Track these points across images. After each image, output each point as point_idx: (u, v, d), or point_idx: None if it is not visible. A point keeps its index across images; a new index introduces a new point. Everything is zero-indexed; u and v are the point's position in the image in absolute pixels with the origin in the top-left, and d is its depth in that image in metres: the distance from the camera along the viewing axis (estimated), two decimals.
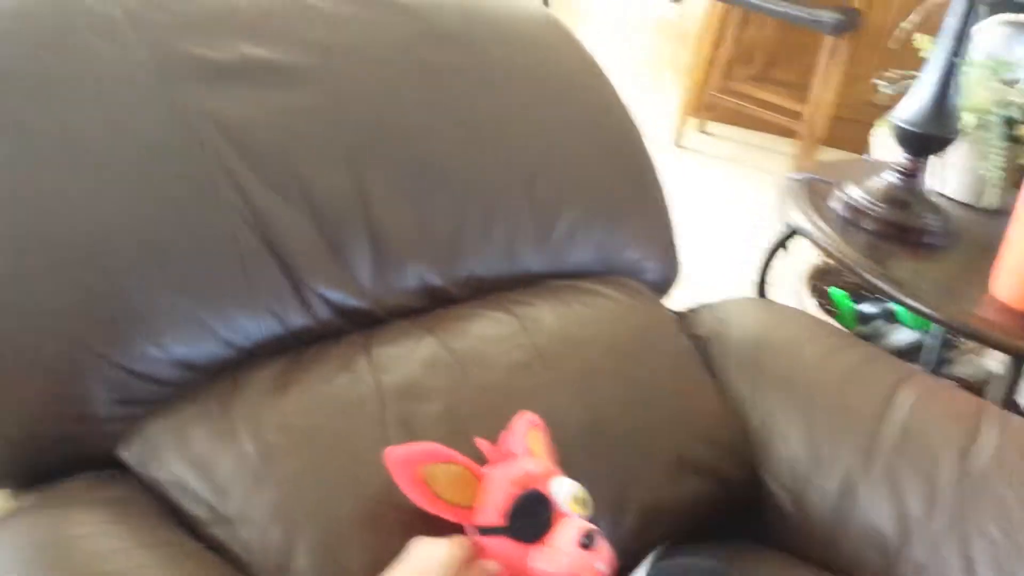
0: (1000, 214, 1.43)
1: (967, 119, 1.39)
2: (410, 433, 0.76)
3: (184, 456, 0.70)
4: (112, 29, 0.81)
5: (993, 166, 1.38)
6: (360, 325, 0.88)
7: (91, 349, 0.70)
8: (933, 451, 0.88)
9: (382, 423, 0.76)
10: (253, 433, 0.72)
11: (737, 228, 2.64)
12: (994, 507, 0.83)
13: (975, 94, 1.41)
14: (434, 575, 0.64)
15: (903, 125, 1.27)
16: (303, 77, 0.89)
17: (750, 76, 3.40)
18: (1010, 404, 1.16)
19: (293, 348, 0.83)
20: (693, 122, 3.33)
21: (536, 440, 0.78)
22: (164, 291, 0.75)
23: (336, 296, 0.86)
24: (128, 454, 0.72)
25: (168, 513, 0.70)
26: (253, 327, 0.80)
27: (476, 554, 0.69)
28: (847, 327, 1.73)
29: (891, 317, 1.79)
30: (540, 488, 0.70)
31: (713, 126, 3.42)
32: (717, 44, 3.08)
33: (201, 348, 0.76)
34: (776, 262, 1.53)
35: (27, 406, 0.68)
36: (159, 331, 0.74)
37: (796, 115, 3.04)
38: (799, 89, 3.18)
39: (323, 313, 0.85)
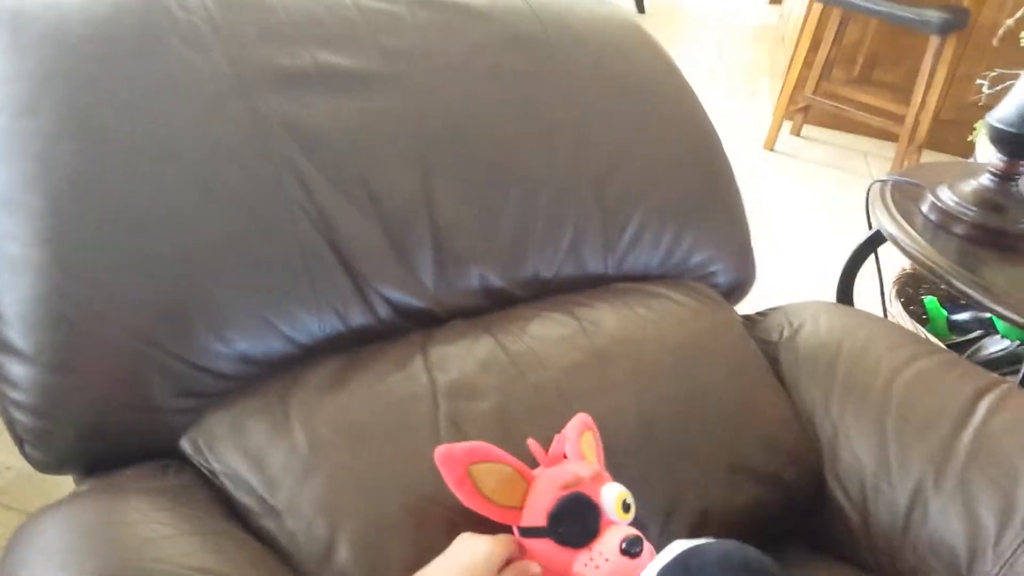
0: None
1: None
2: (461, 432, 0.77)
3: (239, 448, 0.73)
4: (196, 37, 0.85)
5: None
6: (420, 324, 0.90)
7: (157, 342, 0.74)
8: (1012, 464, 0.84)
9: (434, 421, 0.78)
10: (306, 427, 0.74)
11: (828, 234, 2.56)
12: None
13: None
14: (478, 570, 0.65)
15: (998, 125, 1.21)
16: (375, 83, 0.92)
17: (850, 78, 3.29)
18: None
19: (354, 346, 0.85)
20: (788, 126, 3.25)
21: (588, 442, 0.77)
22: (230, 288, 0.78)
23: (398, 296, 0.88)
24: (188, 445, 0.75)
25: (221, 504, 0.72)
26: (315, 325, 0.82)
27: (520, 554, 0.69)
28: (940, 336, 1.65)
29: (987, 326, 1.69)
30: (589, 493, 0.70)
31: (809, 129, 3.33)
32: (816, 46, 3.00)
33: (263, 344, 0.79)
34: (866, 268, 1.48)
35: (96, 394, 0.72)
36: (223, 326, 0.77)
37: (898, 118, 2.92)
38: (901, 91, 3.06)
39: (384, 313, 0.87)
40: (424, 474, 0.72)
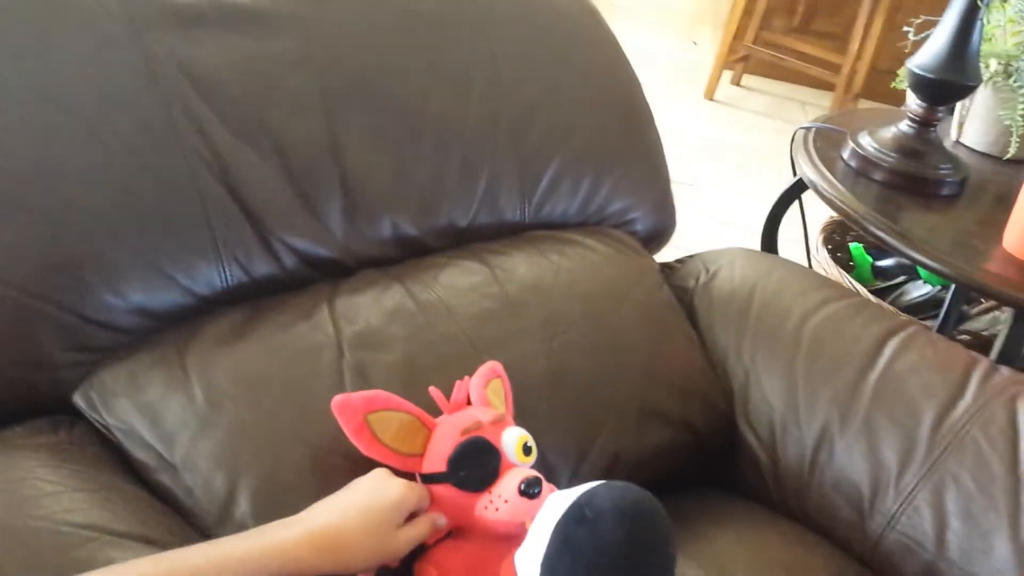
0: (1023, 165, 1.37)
1: (991, 65, 1.32)
2: (367, 382, 0.76)
3: (135, 402, 0.71)
4: None
5: (1018, 115, 1.31)
6: (330, 275, 0.88)
7: (46, 296, 0.71)
8: (914, 403, 0.86)
9: (338, 371, 0.77)
10: (204, 380, 0.72)
11: (763, 182, 2.58)
12: (970, 459, 0.81)
13: (1001, 40, 1.34)
14: (383, 515, 0.64)
15: (917, 71, 1.22)
16: (278, 23, 0.88)
17: (790, 28, 3.30)
18: (1011, 358, 1.12)
19: (259, 298, 0.83)
20: (729, 75, 3.25)
21: (496, 389, 0.77)
22: (124, 240, 0.75)
23: (304, 246, 0.86)
24: (81, 400, 0.73)
25: (115, 459, 0.71)
26: (216, 276, 0.80)
27: (428, 503, 0.69)
28: (864, 282, 1.68)
29: (911, 272, 1.73)
30: (489, 437, 0.70)
31: (749, 79, 3.33)
32: None
33: (161, 297, 0.77)
34: (792, 215, 1.49)
35: None
36: (117, 278, 0.74)
37: (835, 67, 2.94)
38: (839, 40, 3.08)
39: (291, 263, 0.85)
40: (326, 425, 0.71)
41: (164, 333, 0.76)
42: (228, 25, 0.85)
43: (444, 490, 0.68)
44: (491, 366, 0.78)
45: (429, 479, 0.69)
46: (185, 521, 0.68)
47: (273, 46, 0.87)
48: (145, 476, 0.70)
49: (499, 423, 0.71)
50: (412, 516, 0.67)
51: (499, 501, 0.66)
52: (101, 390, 0.73)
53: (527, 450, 0.71)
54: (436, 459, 0.69)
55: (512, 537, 0.65)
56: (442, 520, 0.68)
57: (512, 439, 0.70)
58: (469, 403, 0.75)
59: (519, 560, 0.61)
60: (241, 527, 0.67)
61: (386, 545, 0.64)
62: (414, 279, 0.88)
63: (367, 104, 0.91)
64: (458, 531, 0.69)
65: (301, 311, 0.81)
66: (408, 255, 0.93)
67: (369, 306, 0.83)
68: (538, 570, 0.57)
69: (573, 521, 0.57)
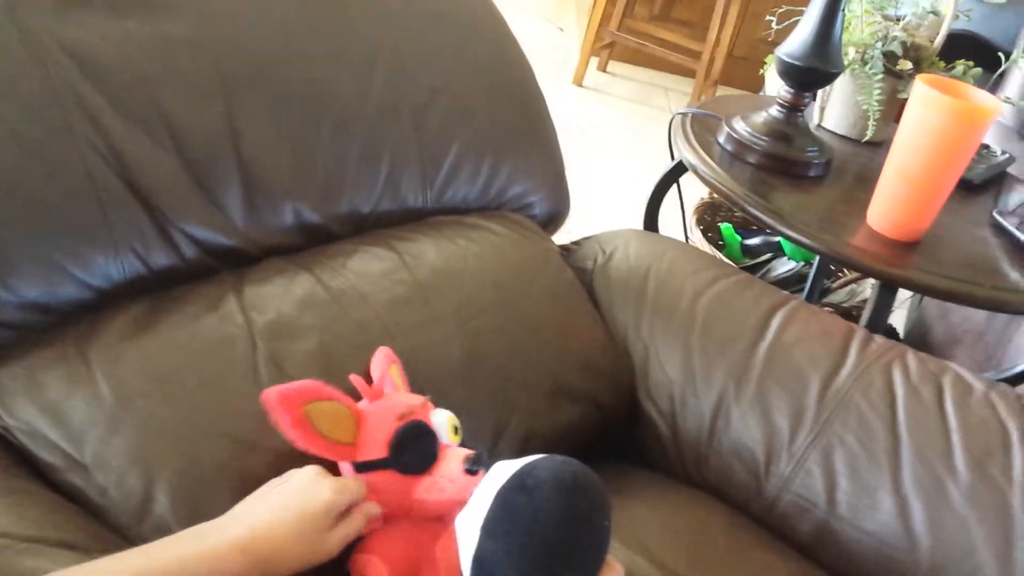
0: (881, 147, 1.48)
1: (850, 54, 1.42)
2: (281, 372, 0.75)
3: (36, 402, 0.67)
4: None
5: (874, 100, 1.42)
6: (232, 264, 0.85)
7: None
8: (801, 371, 0.92)
9: (252, 363, 0.75)
10: (111, 376, 0.69)
11: (633, 166, 2.67)
12: (854, 421, 0.88)
13: (858, 29, 1.44)
14: (315, 520, 0.63)
15: (785, 58, 1.29)
16: (170, 5, 0.84)
17: (652, 15, 3.41)
18: (878, 326, 1.21)
19: (159, 289, 0.80)
20: (595, 62, 3.33)
21: (396, 374, 0.77)
22: (11, 232, 0.70)
23: (204, 234, 0.83)
24: None
25: (20, 462, 0.67)
26: (114, 268, 0.76)
27: (363, 496, 0.68)
28: (734, 260, 1.77)
29: (776, 249, 1.84)
30: (423, 420, 0.70)
31: (615, 65, 3.43)
32: None
33: (56, 291, 0.73)
34: (672, 197, 1.55)
35: None
36: (7, 273, 0.70)
37: (695, 54, 3.06)
38: (698, 28, 3.21)
39: (190, 252, 0.82)
40: (244, 419, 0.70)
41: (62, 328, 0.72)
42: (116, 7, 0.81)
43: (382, 477, 0.68)
44: (385, 353, 0.79)
45: (366, 466, 0.68)
46: (101, 522, 0.65)
47: (166, 29, 0.83)
48: (54, 478, 0.67)
49: (425, 407, 0.72)
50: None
51: (444, 481, 0.67)
52: None
53: (456, 430, 0.72)
54: (374, 446, 0.68)
55: (445, 517, 0.66)
56: (375, 509, 0.68)
57: (442, 420, 0.71)
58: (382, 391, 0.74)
59: (459, 523, 0.61)
60: (161, 524, 0.65)
61: (318, 549, 0.63)
62: (323, 266, 0.86)
63: (266, 90, 0.89)
64: (391, 517, 0.69)
65: (208, 302, 0.79)
66: (312, 243, 0.91)
67: (279, 295, 0.81)
68: (478, 533, 0.59)
69: (514, 488, 0.59)
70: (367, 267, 0.88)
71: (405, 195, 0.99)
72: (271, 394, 0.66)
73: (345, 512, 0.65)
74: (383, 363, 0.77)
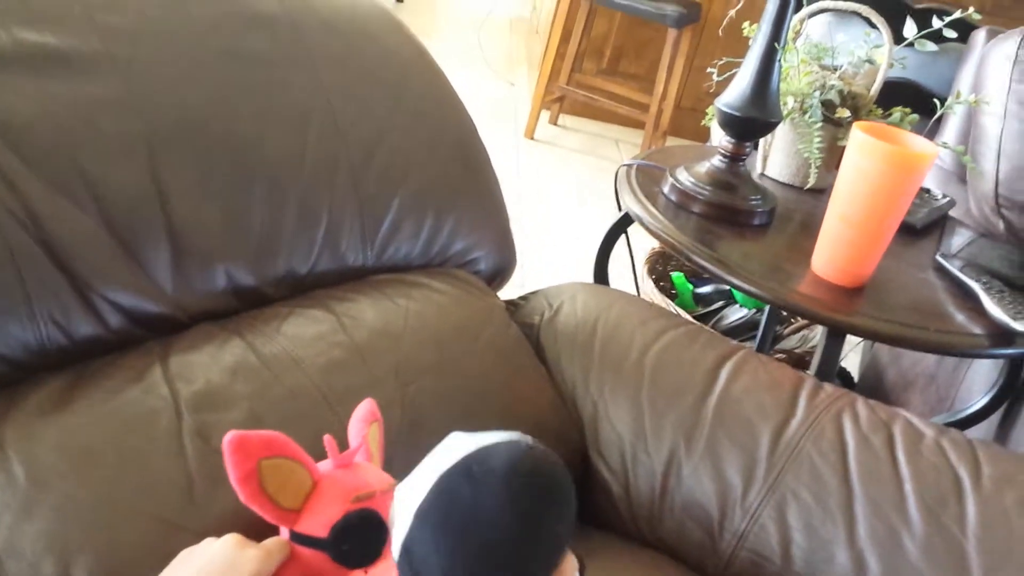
0: (823, 194, 1.49)
1: (789, 103, 1.44)
2: (208, 445, 0.71)
3: None
4: None
5: (814, 148, 1.43)
6: (160, 332, 0.82)
7: None
8: (751, 424, 0.90)
9: (178, 437, 0.71)
10: (24, 456, 0.65)
11: (585, 217, 2.68)
12: (806, 473, 0.86)
13: (796, 79, 1.46)
14: None
15: (725, 109, 1.30)
16: (92, 65, 0.82)
17: (599, 69, 3.47)
18: (828, 373, 1.21)
19: (82, 361, 0.76)
20: (546, 115, 3.37)
21: (374, 436, 0.73)
22: None
23: (129, 301, 0.79)
24: None
25: None
26: (32, 339, 0.73)
27: (288, 565, 0.64)
28: (687, 309, 1.77)
29: (728, 297, 1.84)
30: (379, 508, 0.64)
31: (565, 119, 3.47)
32: (567, 37, 3.12)
33: None
34: (618, 248, 1.55)
35: None
36: None
37: (643, 106, 3.11)
38: (645, 81, 3.27)
39: (115, 321, 0.78)
40: (168, 496, 0.66)
41: None
42: (33, 67, 0.78)
43: (315, 555, 0.63)
44: (370, 407, 0.74)
45: (302, 540, 0.63)
46: None
47: (88, 90, 0.81)
48: None
49: (389, 492, 0.65)
50: None
51: None
52: None
53: None
54: (318, 522, 0.63)
55: None
56: None
57: None
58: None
59: (399, 492, 0.57)
60: None
61: None
62: (255, 331, 0.83)
63: (193, 148, 0.86)
64: None
65: (131, 373, 0.75)
66: (246, 306, 0.88)
67: (207, 364, 0.78)
68: (411, 515, 0.53)
69: (459, 473, 0.53)
70: (302, 331, 0.85)
71: (345, 254, 0.97)
72: (229, 438, 0.61)
73: None
74: (364, 421, 0.72)
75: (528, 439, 0.56)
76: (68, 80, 0.80)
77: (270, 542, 0.63)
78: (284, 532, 0.65)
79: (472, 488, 0.52)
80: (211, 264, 0.85)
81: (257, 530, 0.64)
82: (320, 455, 0.68)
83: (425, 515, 0.52)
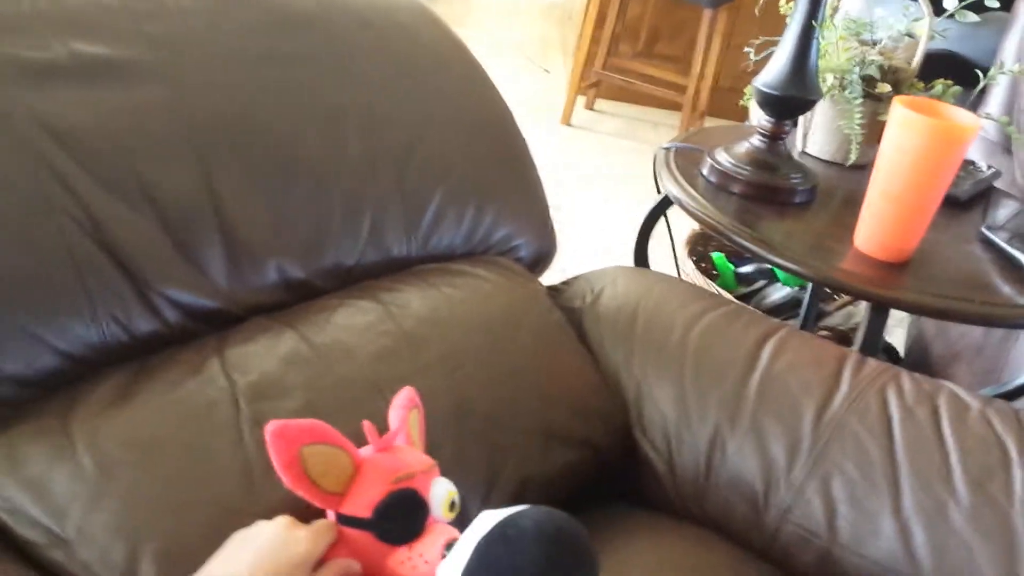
0: (864, 170, 1.48)
1: (828, 80, 1.43)
2: None
3: (17, 478, 0.66)
4: None
5: (855, 124, 1.42)
6: (216, 326, 0.85)
7: None
8: (795, 400, 0.91)
9: (236, 426, 0.74)
10: (92, 447, 0.68)
11: (625, 202, 2.68)
12: (851, 447, 0.87)
13: (835, 55, 1.45)
14: (295, 573, 0.61)
15: (763, 88, 1.30)
16: (141, 73, 0.85)
17: (635, 52, 3.45)
18: (872, 348, 1.20)
19: (142, 356, 0.80)
20: (582, 100, 3.36)
21: (415, 422, 0.76)
22: None
23: (186, 298, 0.83)
24: None
25: (3, 545, 0.66)
26: (95, 336, 0.76)
27: (336, 546, 0.67)
28: (729, 289, 1.77)
29: (770, 276, 1.84)
30: (419, 488, 0.68)
31: (602, 103, 3.46)
32: (602, 22, 3.11)
33: (35, 364, 0.72)
34: (659, 230, 1.55)
35: None
36: None
37: (680, 88, 3.09)
38: (682, 63, 3.24)
39: (173, 317, 0.82)
40: (229, 484, 0.69)
41: (44, 401, 0.72)
42: (87, 77, 0.82)
43: (360, 535, 0.66)
44: (409, 394, 0.77)
45: (347, 521, 0.66)
46: None
47: (136, 95, 0.84)
48: (36, 556, 0.65)
49: (429, 472, 0.69)
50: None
51: (419, 560, 0.65)
52: None
53: (452, 506, 0.70)
54: (361, 504, 0.66)
55: None
56: (355, 567, 0.66)
57: (441, 494, 0.68)
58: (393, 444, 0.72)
59: (440, 574, 0.60)
60: None
61: None
62: (307, 322, 0.86)
63: (239, 148, 0.89)
64: None
65: (190, 366, 0.78)
66: (297, 299, 0.91)
67: (262, 355, 0.81)
68: None
69: (495, 539, 0.58)
70: (352, 321, 0.88)
71: (389, 245, 0.99)
72: (271, 427, 0.64)
73: (320, 562, 0.64)
74: (404, 408, 0.75)
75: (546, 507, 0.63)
76: (120, 88, 0.83)
77: (318, 523, 0.66)
78: (331, 515, 0.68)
79: (508, 548, 0.58)
80: (262, 259, 0.88)
81: (309, 515, 0.67)
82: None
83: None
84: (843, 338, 1.73)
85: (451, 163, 1.06)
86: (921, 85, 1.42)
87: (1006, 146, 1.64)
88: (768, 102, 1.32)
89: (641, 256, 1.52)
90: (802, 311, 1.71)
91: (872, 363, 0.96)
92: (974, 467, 0.83)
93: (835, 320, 1.79)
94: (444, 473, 0.72)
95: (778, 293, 1.80)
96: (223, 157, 0.87)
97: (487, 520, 0.59)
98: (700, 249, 1.95)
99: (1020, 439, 0.84)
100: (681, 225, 1.67)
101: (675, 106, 3.21)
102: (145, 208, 0.81)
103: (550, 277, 1.18)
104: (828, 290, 1.92)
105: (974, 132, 1.09)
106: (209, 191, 0.85)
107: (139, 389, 0.75)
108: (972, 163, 1.51)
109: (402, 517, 0.66)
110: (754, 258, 1.84)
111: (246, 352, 0.81)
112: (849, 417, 0.88)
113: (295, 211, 0.91)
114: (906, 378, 0.94)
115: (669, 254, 1.72)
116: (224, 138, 0.88)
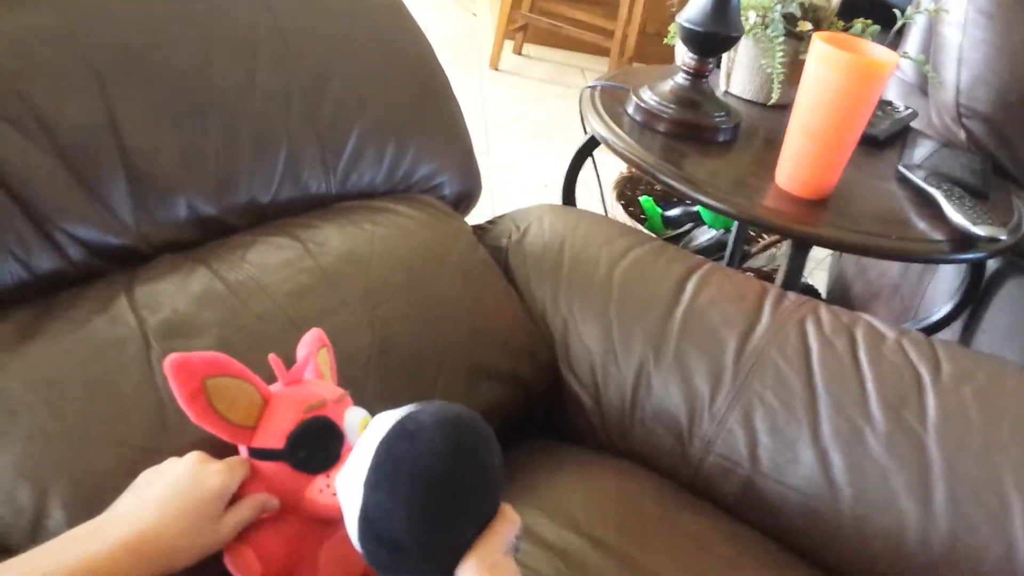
0: (786, 109, 1.49)
1: (751, 18, 1.43)
2: None
3: None
4: None
5: (777, 63, 1.43)
6: (123, 264, 0.81)
7: None
8: (717, 333, 0.92)
9: (146, 364, 0.71)
10: None
11: (554, 145, 2.66)
12: (771, 378, 0.88)
13: None
14: (209, 508, 0.59)
15: (686, 24, 1.29)
16: None
17: None
18: (794, 285, 1.22)
19: (45, 295, 0.76)
20: (510, 46, 3.31)
21: (324, 359, 0.74)
22: None
23: (90, 234, 0.78)
24: None
25: None
26: None
27: (252, 482, 0.65)
28: (657, 232, 1.78)
29: (696, 219, 1.85)
30: (333, 416, 0.67)
31: (530, 48, 3.42)
32: None
33: None
34: (587, 174, 1.55)
35: None
36: None
37: (608, 33, 3.07)
38: (610, 7, 3.21)
39: (76, 254, 0.78)
40: (141, 423, 0.67)
41: None
42: None
43: (275, 467, 0.64)
44: (316, 334, 0.75)
45: (260, 454, 0.65)
46: None
47: (30, 21, 0.78)
48: None
49: (341, 402, 0.68)
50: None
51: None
52: None
53: None
54: (273, 435, 0.64)
55: (335, 522, 0.63)
56: (273, 503, 0.64)
57: (355, 421, 0.67)
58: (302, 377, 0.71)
59: (340, 483, 0.59)
60: None
61: (209, 539, 0.60)
62: (220, 260, 0.83)
63: (143, 79, 0.84)
64: (279, 511, 0.65)
65: (96, 304, 0.74)
66: (210, 237, 0.88)
67: (172, 292, 0.78)
68: (361, 490, 0.56)
69: (396, 436, 0.57)
70: (267, 258, 0.85)
71: (307, 182, 0.96)
72: (171, 361, 0.61)
73: (235, 496, 0.63)
74: (311, 346, 0.73)
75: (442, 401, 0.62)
76: (8, 11, 0.78)
77: (231, 459, 0.64)
78: (243, 451, 0.66)
79: (410, 442, 0.57)
80: (171, 195, 0.84)
81: (226, 455, 0.65)
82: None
83: (375, 482, 0.56)
84: (766, 278, 1.76)
85: (369, 100, 1.02)
86: (841, 24, 1.43)
87: (922, 87, 1.67)
88: (691, 38, 1.31)
89: (569, 197, 1.51)
90: (727, 253, 1.73)
91: (792, 296, 0.97)
92: (890, 394, 0.85)
93: (759, 262, 1.82)
94: (367, 408, 0.71)
95: (704, 236, 1.82)
96: (125, 86, 0.82)
97: (384, 421, 0.58)
98: (628, 193, 1.95)
99: (933, 366, 0.87)
100: (609, 169, 1.67)
101: (603, 52, 3.19)
102: (42, 139, 0.76)
103: (478, 221, 1.16)
104: (752, 231, 1.94)
105: (891, 67, 1.10)
106: (110, 122, 0.80)
107: (43, 328, 0.71)
108: (890, 103, 1.54)
109: (316, 445, 0.65)
110: (681, 201, 1.85)
111: (156, 290, 0.77)
112: (770, 348, 0.90)
113: (204, 144, 0.87)
114: (824, 310, 0.95)
115: (598, 199, 1.72)
116: (126, 66, 0.83)
